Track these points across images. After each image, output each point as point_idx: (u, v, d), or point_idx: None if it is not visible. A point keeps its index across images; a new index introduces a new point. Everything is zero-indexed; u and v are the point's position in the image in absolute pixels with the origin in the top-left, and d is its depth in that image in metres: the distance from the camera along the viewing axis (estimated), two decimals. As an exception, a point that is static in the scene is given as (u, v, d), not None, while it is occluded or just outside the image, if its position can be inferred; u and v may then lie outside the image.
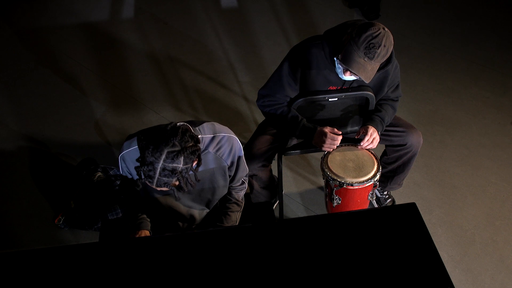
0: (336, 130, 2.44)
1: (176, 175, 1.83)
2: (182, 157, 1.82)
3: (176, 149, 1.81)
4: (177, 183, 1.88)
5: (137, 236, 2.14)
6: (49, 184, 3.17)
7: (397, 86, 2.56)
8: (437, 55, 4.09)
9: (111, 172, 3.04)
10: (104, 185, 2.98)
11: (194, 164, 1.91)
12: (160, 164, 1.81)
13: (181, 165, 1.83)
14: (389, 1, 4.61)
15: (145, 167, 1.82)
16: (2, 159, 3.35)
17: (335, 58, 2.32)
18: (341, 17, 4.43)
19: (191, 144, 1.86)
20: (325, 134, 2.41)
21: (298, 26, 4.38)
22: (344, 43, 2.25)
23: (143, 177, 1.86)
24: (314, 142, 2.47)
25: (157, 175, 1.83)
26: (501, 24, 4.40)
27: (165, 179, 1.83)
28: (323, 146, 2.44)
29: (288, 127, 2.50)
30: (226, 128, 2.12)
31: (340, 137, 2.43)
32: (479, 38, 4.24)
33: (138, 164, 1.97)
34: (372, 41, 2.15)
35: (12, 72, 4.00)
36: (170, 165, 1.81)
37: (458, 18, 4.46)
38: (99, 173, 3.02)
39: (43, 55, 4.14)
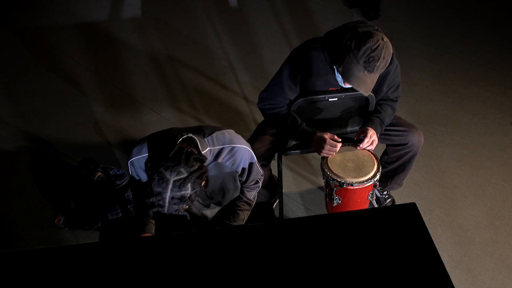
0: (336, 137, 2.43)
1: (186, 201, 1.81)
2: (190, 184, 1.79)
3: (182, 176, 1.78)
4: (187, 207, 1.86)
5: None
6: (49, 184, 3.17)
7: (397, 87, 2.56)
8: (437, 55, 4.09)
9: (111, 172, 3.04)
10: (104, 185, 2.98)
11: (203, 184, 1.88)
12: (168, 194, 1.78)
13: (189, 191, 1.80)
14: (389, 1, 4.61)
15: (154, 197, 1.80)
16: (2, 159, 3.35)
17: (334, 67, 2.32)
18: (341, 17, 4.43)
19: (196, 168, 1.81)
20: (324, 141, 2.41)
21: (298, 26, 4.38)
22: (343, 52, 2.24)
23: (154, 207, 1.83)
24: (312, 147, 2.48)
25: (167, 204, 1.80)
26: (501, 24, 4.40)
27: (175, 206, 1.81)
28: (321, 152, 2.44)
29: (288, 131, 2.50)
30: (237, 137, 2.09)
31: (339, 145, 2.43)
32: (479, 38, 4.24)
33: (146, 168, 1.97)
34: (372, 54, 2.14)
35: (12, 72, 4.00)
36: (178, 193, 1.79)
37: (458, 18, 4.46)
38: (99, 173, 3.02)
39: (43, 55, 4.14)
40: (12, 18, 4.53)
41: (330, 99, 2.47)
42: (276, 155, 2.70)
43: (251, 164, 2.14)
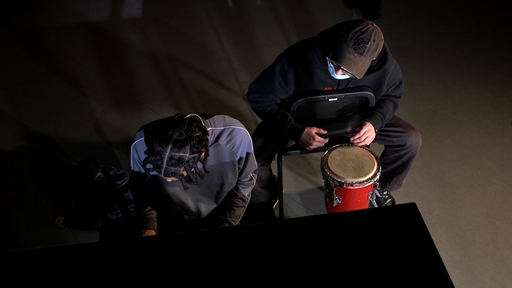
0: (322, 130, 2.47)
1: (183, 164, 1.85)
2: (189, 146, 1.83)
3: (182, 138, 1.83)
4: (184, 173, 1.89)
5: (143, 235, 2.14)
6: (49, 184, 3.17)
7: (399, 84, 2.56)
8: (437, 55, 4.09)
9: (111, 172, 3.04)
10: (104, 185, 2.98)
11: (202, 155, 1.92)
12: (167, 153, 1.82)
13: (187, 154, 1.84)
14: (389, 1, 4.61)
15: (153, 156, 1.84)
16: (2, 159, 3.35)
17: (327, 57, 2.33)
18: (341, 17, 4.43)
19: (198, 134, 1.87)
20: (313, 137, 2.45)
21: (298, 26, 4.38)
22: (335, 42, 2.26)
23: (151, 166, 1.88)
24: (300, 142, 2.49)
25: (164, 164, 1.84)
26: (501, 24, 4.40)
27: (173, 168, 1.85)
28: (309, 147, 2.47)
29: (276, 126, 2.50)
30: (236, 121, 2.13)
31: (326, 140, 2.47)
32: (479, 38, 4.24)
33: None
34: (361, 36, 2.16)
35: (11, 72, 4.00)
36: (177, 154, 1.83)
37: (458, 18, 4.46)
38: (99, 173, 3.02)
39: (43, 55, 4.14)
40: (12, 18, 4.53)
41: (330, 99, 2.48)
42: (276, 155, 2.70)
43: (249, 152, 2.17)
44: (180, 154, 1.83)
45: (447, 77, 3.89)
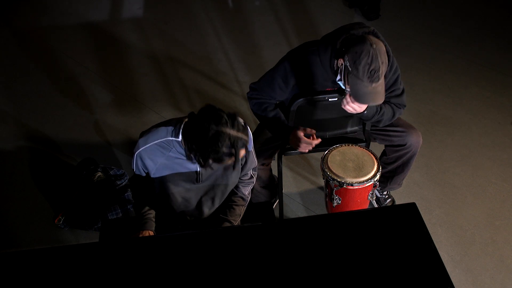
0: (311, 130, 2.41)
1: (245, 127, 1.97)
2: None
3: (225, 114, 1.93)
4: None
5: (140, 236, 2.14)
6: (49, 184, 3.17)
7: (401, 94, 2.51)
8: (437, 55, 4.09)
9: (111, 172, 3.04)
10: (104, 185, 2.98)
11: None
12: (228, 128, 1.90)
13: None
14: (389, 1, 4.61)
15: (224, 142, 1.87)
16: (2, 159, 3.35)
17: (339, 82, 2.33)
18: (341, 17, 4.43)
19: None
20: (299, 139, 2.40)
21: (298, 26, 4.38)
22: (340, 68, 2.25)
23: (235, 148, 1.91)
24: (290, 143, 2.47)
25: (238, 132, 1.91)
26: (501, 24, 4.40)
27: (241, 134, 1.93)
28: (298, 148, 2.44)
29: (268, 124, 2.51)
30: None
31: (316, 141, 2.40)
32: (479, 38, 4.24)
33: (154, 160, 2.04)
34: (372, 68, 2.15)
35: (11, 72, 3.99)
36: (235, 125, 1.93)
37: (458, 18, 4.46)
38: (99, 173, 3.02)
39: (43, 55, 4.14)
40: (12, 18, 4.52)
41: (330, 99, 2.47)
42: (276, 155, 2.70)
43: (249, 148, 2.17)
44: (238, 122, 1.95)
45: (447, 77, 3.89)
